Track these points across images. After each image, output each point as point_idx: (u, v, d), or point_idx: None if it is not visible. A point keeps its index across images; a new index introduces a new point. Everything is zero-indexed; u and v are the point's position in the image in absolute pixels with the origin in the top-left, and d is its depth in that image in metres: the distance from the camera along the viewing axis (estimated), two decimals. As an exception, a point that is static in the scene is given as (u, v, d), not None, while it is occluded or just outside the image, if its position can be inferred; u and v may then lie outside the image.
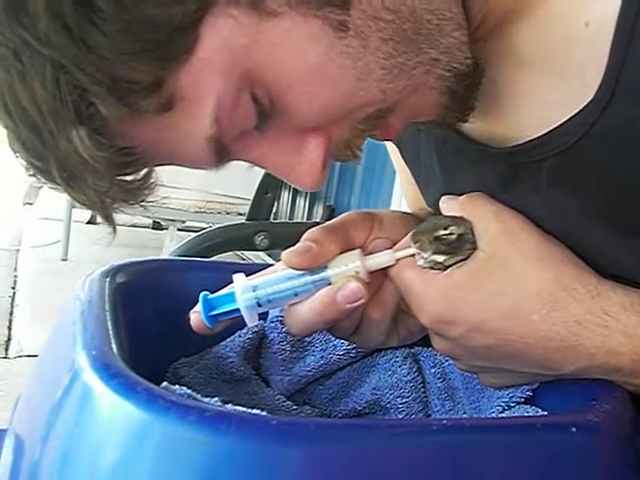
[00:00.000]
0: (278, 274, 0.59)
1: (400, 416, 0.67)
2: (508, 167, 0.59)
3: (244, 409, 0.45)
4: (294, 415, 0.66)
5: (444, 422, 0.43)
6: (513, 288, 0.53)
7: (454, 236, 0.56)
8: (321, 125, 0.51)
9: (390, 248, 0.59)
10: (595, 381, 0.55)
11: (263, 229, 1.60)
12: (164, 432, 0.42)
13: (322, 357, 0.69)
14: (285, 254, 0.57)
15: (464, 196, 0.59)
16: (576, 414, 0.49)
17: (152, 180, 0.52)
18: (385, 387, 0.68)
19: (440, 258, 0.56)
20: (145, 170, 0.52)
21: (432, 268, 0.57)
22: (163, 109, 0.46)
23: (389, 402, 0.67)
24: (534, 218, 0.56)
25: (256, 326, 0.70)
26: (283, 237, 1.60)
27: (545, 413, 0.58)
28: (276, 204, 2.89)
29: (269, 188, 1.74)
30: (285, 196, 3.26)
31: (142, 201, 0.52)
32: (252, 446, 0.41)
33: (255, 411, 0.47)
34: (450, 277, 0.55)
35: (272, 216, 2.42)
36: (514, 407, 0.61)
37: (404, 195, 0.90)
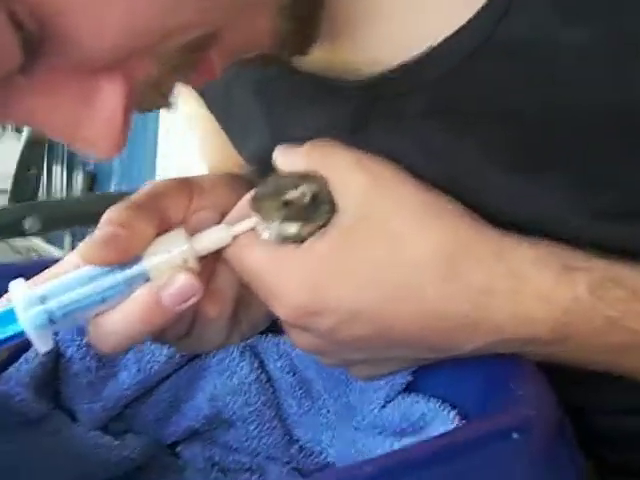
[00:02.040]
0: (74, 274, 0.42)
1: (251, 427, 0.54)
2: (364, 103, 0.46)
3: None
4: (116, 452, 0.51)
5: (367, 468, 0.30)
6: (396, 257, 0.41)
7: (307, 197, 0.43)
8: (117, 63, 0.36)
9: (220, 222, 0.45)
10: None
11: (32, 211, 1.33)
12: None
13: (139, 370, 0.54)
14: (83, 248, 0.41)
15: (307, 144, 0.46)
16: (507, 412, 0.38)
17: None
18: (224, 394, 0.54)
19: (292, 228, 0.43)
20: None
21: (284, 241, 0.44)
22: None
23: (233, 413, 0.54)
24: (403, 165, 0.45)
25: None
26: (58, 217, 1.34)
27: (436, 403, 0.47)
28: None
29: (32, 162, 1.47)
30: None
31: None
32: None
33: None
34: (309, 252, 0.42)
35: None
36: (395, 398, 0.50)
37: (206, 157, 0.75)
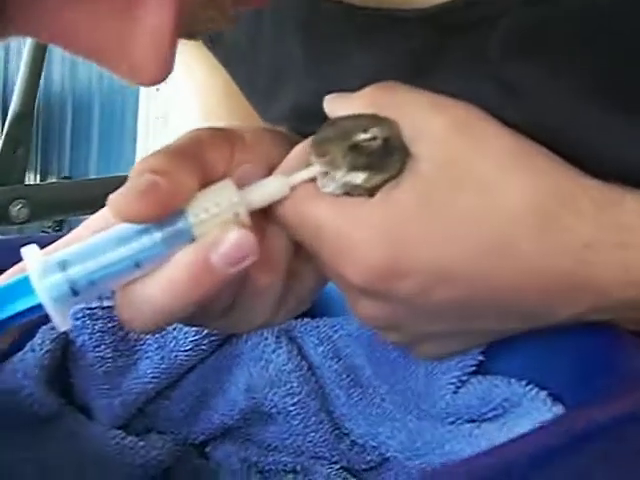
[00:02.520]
0: (101, 236, 0.35)
1: (295, 422, 0.46)
2: (431, 37, 0.40)
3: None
4: (142, 453, 0.43)
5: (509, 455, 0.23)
6: (485, 207, 0.35)
7: (378, 141, 0.36)
8: None
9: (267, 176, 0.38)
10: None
11: (20, 195, 1.18)
12: None
13: (162, 358, 0.47)
14: (114, 199, 0.34)
15: (369, 86, 0.39)
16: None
17: None
18: (263, 385, 0.47)
19: (360, 177, 0.36)
20: None
21: (348, 194, 0.37)
22: None
23: (274, 405, 0.46)
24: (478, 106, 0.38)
25: (54, 329, 0.46)
26: (49, 203, 1.18)
27: (529, 387, 0.41)
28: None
29: (19, 141, 1.32)
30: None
31: None
32: None
33: None
34: (386, 203, 0.35)
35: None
36: (468, 382, 0.43)
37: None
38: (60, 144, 2.45)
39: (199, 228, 0.35)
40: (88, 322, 0.46)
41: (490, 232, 0.35)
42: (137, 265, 0.35)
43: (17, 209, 1.17)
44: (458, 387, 0.43)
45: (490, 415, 0.41)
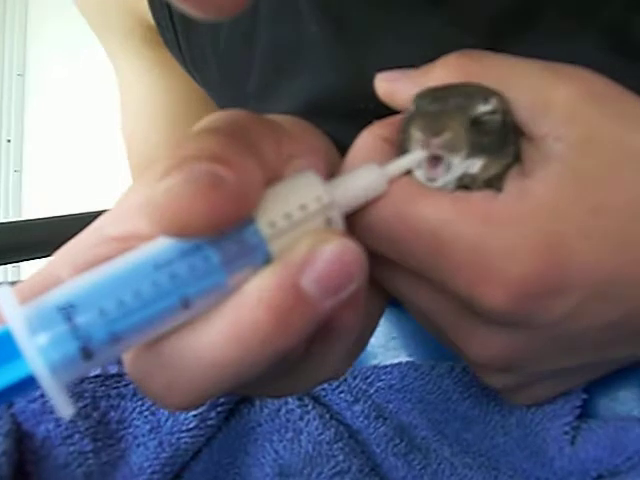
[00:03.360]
0: (121, 264, 0.23)
1: (350, 509, 0.35)
2: None
3: None
4: None
5: None
6: None
7: (498, 116, 0.27)
8: None
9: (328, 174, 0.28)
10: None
11: None
12: None
13: (160, 444, 0.34)
14: (155, 202, 0.22)
15: (454, 54, 0.29)
16: None
17: None
18: (299, 465, 0.35)
19: (476, 164, 0.26)
20: None
21: (464, 187, 0.27)
22: None
23: (319, 489, 0.35)
24: None
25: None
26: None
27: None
28: None
29: None
30: None
31: None
32: None
33: None
34: (527, 198, 0.25)
35: None
36: (583, 427, 0.33)
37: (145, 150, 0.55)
38: None
39: (277, 242, 0.23)
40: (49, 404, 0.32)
41: None
42: (185, 303, 0.23)
43: None
44: (574, 435, 0.33)
45: (624, 467, 0.32)
